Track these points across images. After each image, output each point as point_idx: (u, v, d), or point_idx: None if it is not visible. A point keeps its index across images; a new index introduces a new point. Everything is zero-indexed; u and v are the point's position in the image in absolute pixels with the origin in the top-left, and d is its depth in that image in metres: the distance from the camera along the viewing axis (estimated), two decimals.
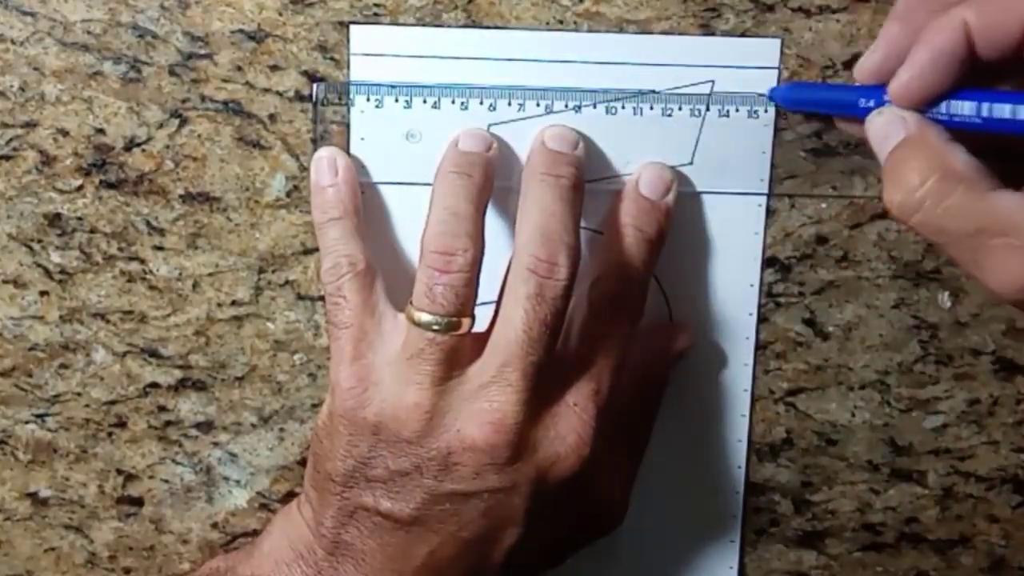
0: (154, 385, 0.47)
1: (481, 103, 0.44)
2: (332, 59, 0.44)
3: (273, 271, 0.46)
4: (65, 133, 0.44)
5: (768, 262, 0.46)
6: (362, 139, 0.44)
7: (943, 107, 0.36)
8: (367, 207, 0.45)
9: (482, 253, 0.41)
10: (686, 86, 0.44)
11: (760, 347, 0.47)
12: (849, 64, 0.44)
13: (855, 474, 0.48)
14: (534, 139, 0.43)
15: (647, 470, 0.47)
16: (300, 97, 0.44)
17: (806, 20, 0.44)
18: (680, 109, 0.44)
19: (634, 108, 0.44)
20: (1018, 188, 0.34)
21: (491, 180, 0.43)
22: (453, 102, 0.44)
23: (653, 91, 0.44)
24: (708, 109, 0.44)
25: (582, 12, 0.44)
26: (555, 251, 0.40)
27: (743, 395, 0.47)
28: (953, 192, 0.34)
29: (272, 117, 0.44)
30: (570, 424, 0.41)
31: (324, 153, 0.44)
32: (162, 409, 0.47)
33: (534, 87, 0.44)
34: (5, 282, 0.45)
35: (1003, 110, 0.35)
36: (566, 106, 0.44)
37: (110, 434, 0.47)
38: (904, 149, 0.36)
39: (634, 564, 0.49)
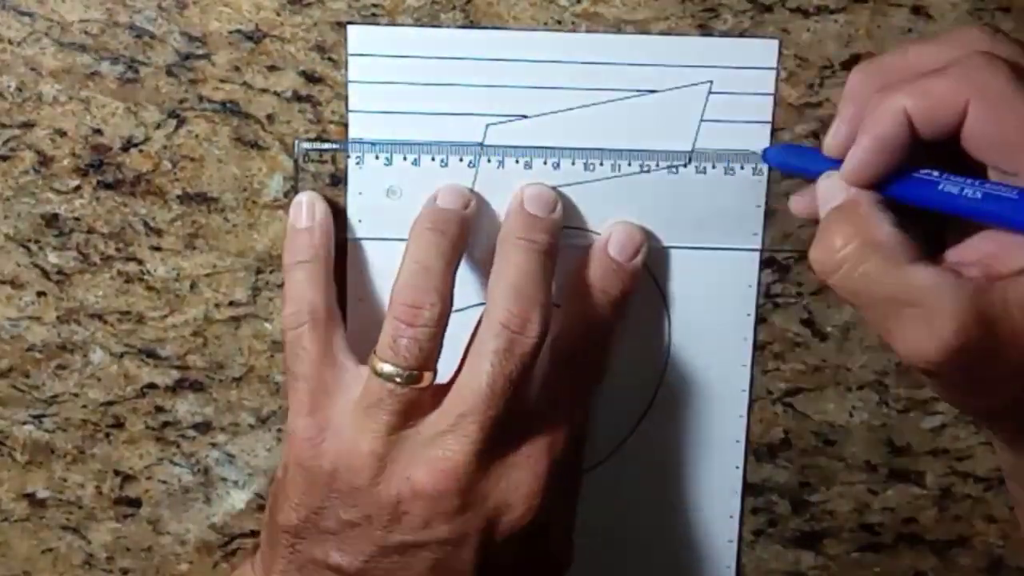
0: (152, 386, 0.47)
1: (461, 160, 0.44)
2: (330, 59, 0.44)
3: (271, 271, 0.46)
4: (62, 133, 0.44)
5: (766, 262, 0.46)
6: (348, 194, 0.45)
7: (892, 186, 0.37)
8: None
9: (450, 309, 0.41)
10: (684, 86, 0.44)
11: (758, 347, 0.47)
12: (848, 64, 0.44)
13: (853, 474, 0.48)
14: (513, 196, 0.44)
15: (646, 470, 0.47)
16: (298, 97, 0.44)
17: (804, 20, 0.44)
18: (657, 167, 0.44)
19: (612, 165, 0.44)
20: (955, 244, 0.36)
21: (466, 237, 0.43)
22: (433, 159, 0.44)
23: (652, 91, 0.44)
24: (687, 166, 0.44)
25: (580, 12, 0.44)
26: (529, 308, 0.40)
27: (741, 395, 0.47)
28: (870, 259, 0.36)
29: (270, 117, 0.44)
30: (522, 476, 0.41)
31: (303, 197, 0.44)
32: (160, 410, 0.47)
33: (514, 146, 0.44)
34: (2, 283, 0.45)
35: (947, 201, 0.36)
36: (544, 163, 0.44)
37: (108, 435, 0.47)
38: (836, 212, 0.38)
39: (632, 564, 0.49)
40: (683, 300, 0.46)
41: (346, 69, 0.44)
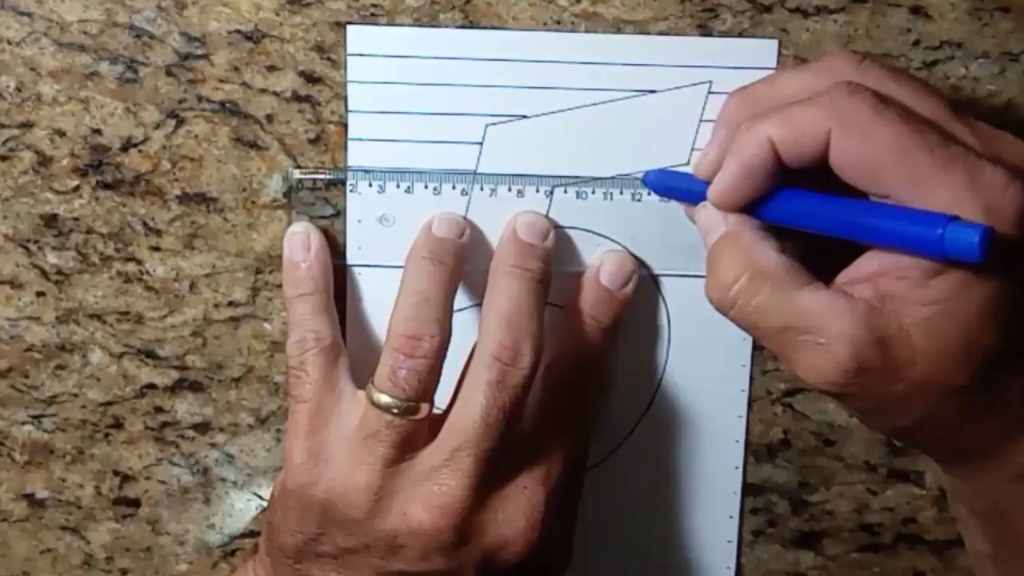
0: (151, 386, 0.47)
1: (454, 187, 0.44)
2: (329, 59, 0.44)
3: (270, 272, 0.46)
4: (62, 134, 0.44)
5: None
6: (336, 221, 0.45)
7: (764, 208, 0.38)
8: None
9: (448, 340, 0.41)
10: (684, 86, 0.44)
11: (757, 348, 0.47)
12: None
13: (852, 475, 0.48)
14: (506, 224, 0.44)
15: (646, 470, 0.47)
16: (297, 98, 0.44)
17: (803, 21, 0.44)
18: (649, 195, 0.45)
19: (604, 193, 0.45)
20: (845, 265, 0.36)
21: (461, 267, 0.43)
22: (426, 187, 0.44)
23: (652, 91, 0.44)
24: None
25: (580, 12, 0.44)
26: (520, 340, 0.41)
27: (740, 396, 0.47)
28: (761, 291, 0.36)
29: (269, 117, 0.44)
30: (519, 508, 0.41)
31: (298, 229, 0.44)
32: (159, 410, 0.47)
33: (507, 174, 0.44)
34: (1, 283, 0.45)
35: (811, 224, 0.37)
36: (537, 190, 0.44)
37: (107, 435, 0.47)
38: (720, 245, 0.38)
39: (632, 564, 0.49)
40: (682, 301, 0.46)
41: (345, 69, 0.44)
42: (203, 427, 0.47)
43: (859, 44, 0.44)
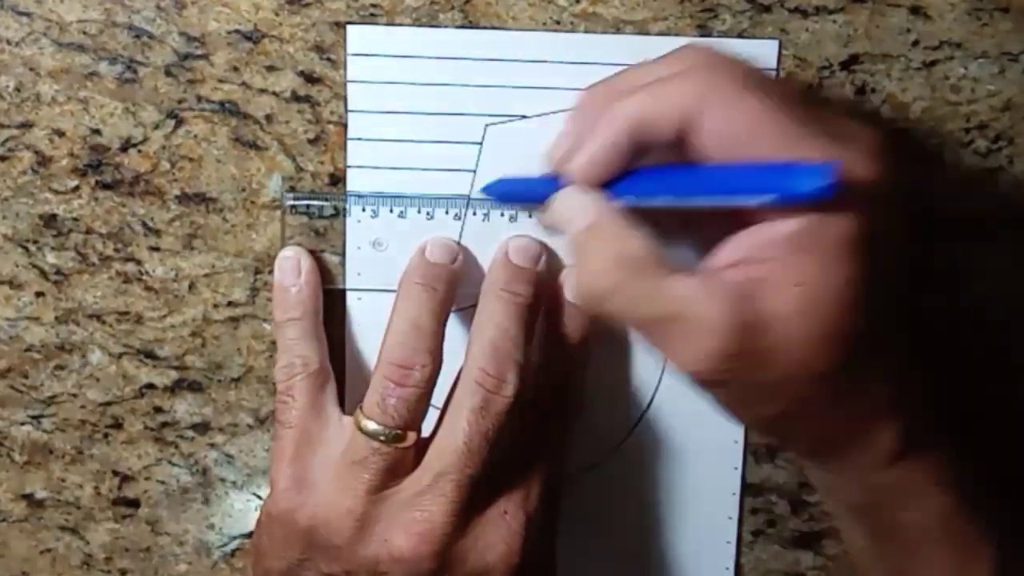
0: (150, 386, 0.47)
1: (447, 212, 0.44)
2: (329, 59, 0.44)
3: (269, 272, 0.46)
4: (61, 134, 0.44)
5: None
6: (332, 246, 0.45)
7: (624, 184, 0.38)
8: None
9: (439, 369, 0.41)
10: None
11: None
12: (846, 65, 0.44)
13: None
14: (499, 247, 0.44)
15: (644, 471, 0.47)
16: (297, 98, 0.44)
17: (803, 21, 0.44)
18: None
19: None
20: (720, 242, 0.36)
21: (454, 293, 0.43)
22: (419, 211, 0.44)
23: None
24: None
25: (579, 13, 0.44)
26: (504, 367, 0.41)
27: None
28: (631, 281, 0.36)
29: (268, 118, 0.44)
30: (500, 533, 0.41)
31: (289, 253, 0.45)
32: (158, 410, 0.47)
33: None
34: (1, 283, 0.45)
35: (673, 188, 0.37)
36: (530, 215, 0.44)
37: (106, 435, 0.47)
38: (586, 235, 0.38)
39: (630, 565, 0.49)
40: None
41: (345, 69, 0.44)
42: (202, 427, 0.47)
43: (858, 44, 0.44)
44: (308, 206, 0.45)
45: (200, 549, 0.49)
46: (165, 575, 0.49)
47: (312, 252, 0.45)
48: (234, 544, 0.48)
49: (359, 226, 0.45)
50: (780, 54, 0.44)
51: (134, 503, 0.48)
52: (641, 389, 0.47)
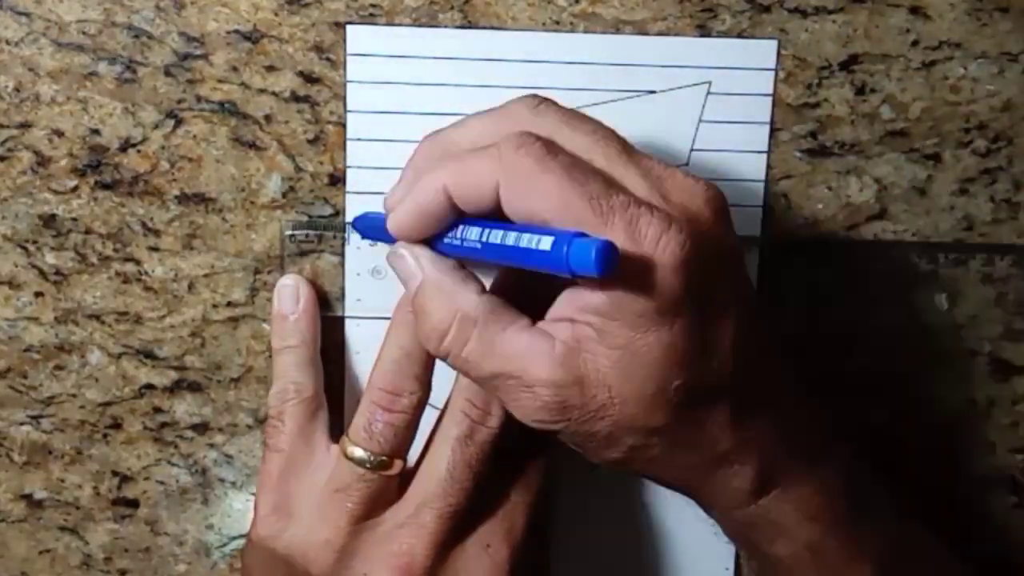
0: (149, 386, 0.47)
1: None
2: (328, 60, 0.44)
3: (269, 272, 0.46)
4: (60, 134, 0.44)
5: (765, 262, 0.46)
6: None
7: (452, 234, 0.38)
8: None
9: (427, 398, 0.41)
10: (683, 87, 0.44)
11: None
12: (846, 65, 0.44)
13: None
14: (494, 281, 0.44)
15: None
16: (296, 98, 0.44)
17: (802, 21, 0.44)
18: None
19: None
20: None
21: None
22: None
23: (651, 91, 0.44)
24: None
25: (578, 13, 0.44)
26: (491, 397, 0.40)
27: None
28: (468, 340, 0.37)
29: (268, 118, 0.44)
30: (483, 567, 0.41)
31: (288, 281, 0.45)
32: (157, 410, 0.47)
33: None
34: (0, 283, 0.45)
35: (497, 236, 0.37)
36: None
37: (105, 436, 0.47)
38: (424, 292, 0.38)
39: (629, 565, 0.49)
40: None
41: (344, 69, 0.44)
42: (202, 427, 0.47)
43: (858, 44, 0.44)
44: (307, 235, 0.45)
45: (199, 549, 0.48)
46: (164, 575, 0.49)
47: (311, 281, 0.45)
48: (233, 544, 0.48)
49: (358, 253, 0.45)
50: (779, 54, 0.44)
51: (133, 503, 0.48)
52: None
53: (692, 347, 0.35)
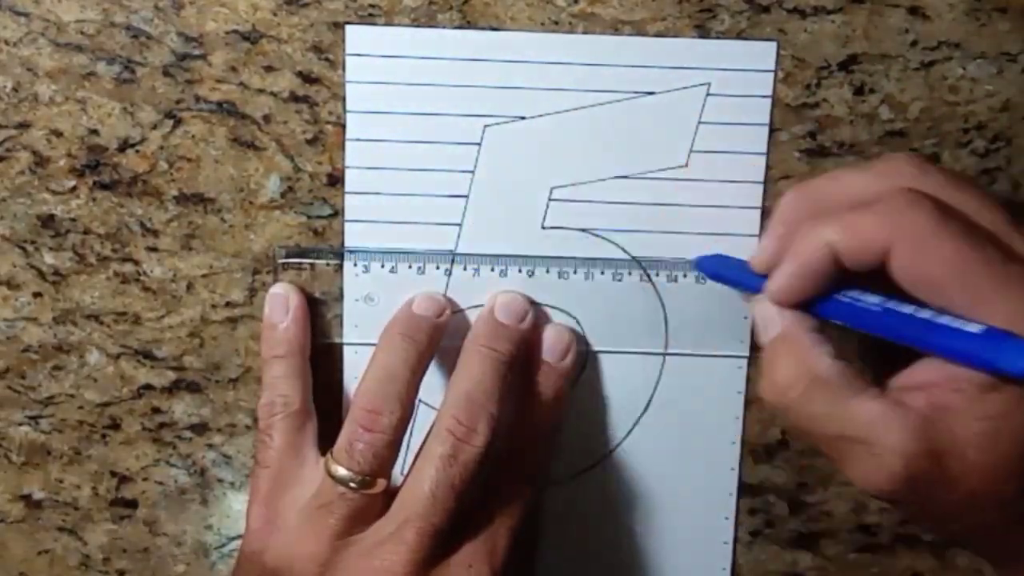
0: (148, 387, 0.47)
1: (437, 267, 0.45)
2: (327, 60, 0.44)
3: (267, 272, 0.45)
4: (59, 134, 0.44)
5: None
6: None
7: (820, 308, 0.38)
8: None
9: (410, 417, 0.41)
10: (682, 88, 0.44)
11: (755, 348, 0.47)
12: (845, 65, 0.44)
13: None
14: (487, 300, 0.44)
15: (642, 472, 0.47)
16: (295, 98, 0.44)
17: (801, 21, 0.44)
18: (630, 275, 0.45)
19: (585, 273, 0.45)
20: (904, 365, 0.36)
21: (435, 346, 0.43)
22: (410, 267, 0.45)
23: (650, 92, 0.44)
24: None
25: (577, 13, 0.43)
26: (476, 417, 0.41)
27: (737, 397, 0.47)
28: (817, 399, 0.36)
29: (267, 118, 0.44)
30: None
31: (279, 290, 0.45)
32: (156, 411, 0.47)
33: (490, 255, 0.45)
34: None
35: (867, 329, 0.37)
36: (519, 271, 0.45)
37: (104, 436, 0.47)
38: (775, 347, 0.38)
39: (628, 565, 0.49)
40: (681, 303, 0.46)
41: (343, 69, 0.44)
42: (200, 428, 0.47)
43: (857, 44, 0.44)
44: (300, 263, 0.45)
45: (198, 550, 0.48)
46: (163, 575, 0.49)
47: (305, 291, 0.45)
48: (232, 545, 0.48)
49: (356, 280, 0.45)
50: (778, 54, 0.44)
51: (132, 504, 0.48)
52: (639, 390, 0.47)
53: None
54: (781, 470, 0.48)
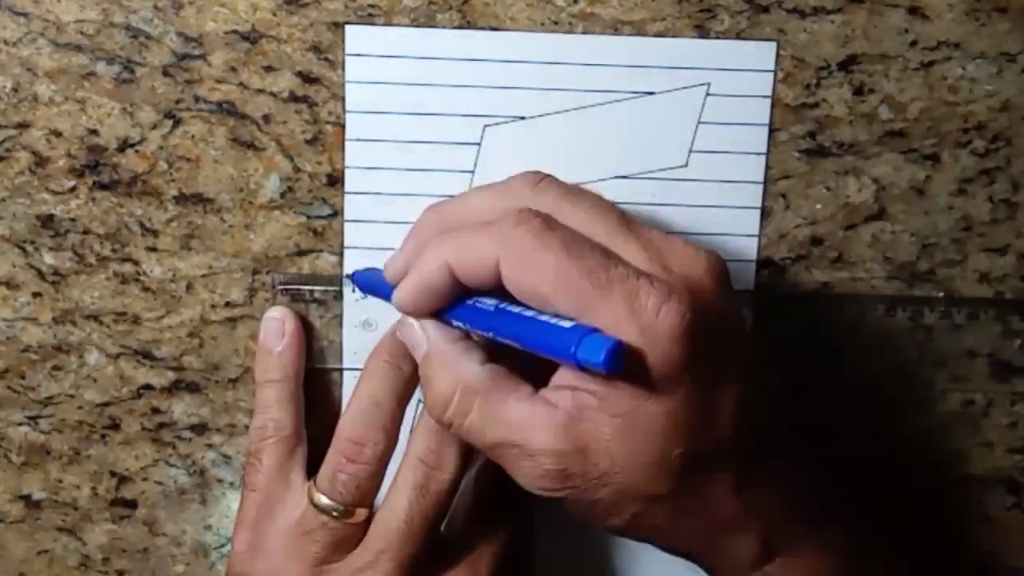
0: (147, 387, 0.47)
1: None
2: (326, 60, 0.44)
3: (267, 272, 0.45)
4: (58, 134, 0.44)
5: (763, 263, 0.46)
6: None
7: (455, 311, 0.39)
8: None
9: (394, 446, 0.42)
10: (682, 88, 0.44)
11: (753, 348, 0.47)
12: (844, 65, 0.44)
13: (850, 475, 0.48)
14: None
15: None
16: (294, 98, 0.44)
17: (801, 21, 0.44)
18: None
19: None
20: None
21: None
22: None
23: (650, 92, 0.44)
24: None
25: (577, 13, 0.43)
26: (445, 444, 0.41)
27: None
28: (472, 408, 0.37)
29: (266, 118, 0.44)
30: None
31: (275, 314, 0.45)
32: (155, 411, 0.47)
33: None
34: None
35: (482, 331, 0.38)
36: None
37: (103, 436, 0.47)
38: (428, 363, 0.39)
39: (626, 565, 0.49)
40: None
41: (343, 69, 0.44)
42: (200, 428, 0.47)
43: (856, 44, 0.44)
44: (299, 290, 0.45)
45: (197, 550, 0.48)
46: (162, 575, 0.49)
47: (302, 316, 0.46)
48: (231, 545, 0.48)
49: (355, 306, 0.45)
50: (778, 54, 0.44)
51: (132, 504, 0.48)
52: None
53: (693, 416, 0.35)
54: None
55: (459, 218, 0.39)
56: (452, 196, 0.41)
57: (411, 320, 0.39)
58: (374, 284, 0.44)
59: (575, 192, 0.38)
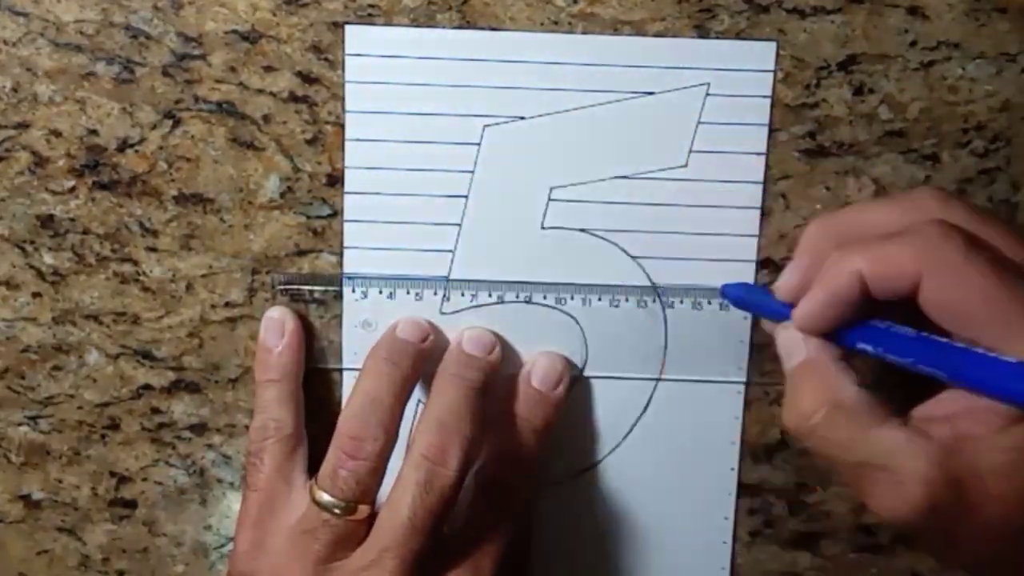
0: (147, 387, 0.47)
1: (435, 293, 0.45)
2: (326, 60, 0.44)
3: (267, 272, 0.45)
4: (58, 134, 0.44)
5: (762, 264, 0.46)
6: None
7: (845, 337, 0.38)
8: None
9: (394, 443, 0.42)
10: (682, 88, 0.44)
11: (755, 348, 0.47)
12: (844, 65, 0.44)
13: None
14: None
15: (641, 472, 0.47)
16: (294, 98, 0.44)
17: (800, 21, 0.44)
18: (627, 301, 0.45)
19: (583, 299, 0.45)
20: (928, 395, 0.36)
21: (420, 371, 0.44)
22: (408, 292, 0.45)
23: (650, 92, 0.44)
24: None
25: (576, 13, 0.43)
26: (449, 440, 0.41)
27: (736, 397, 0.47)
28: (839, 426, 0.36)
29: (266, 118, 0.44)
30: None
31: (275, 314, 0.45)
32: (155, 411, 0.47)
33: (485, 280, 0.45)
34: None
35: (896, 357, 0.37)
36: (516, 296, 0.45)
37: (103, 436, 0.47)
38: (799, 373, 0.38)
39: (626, 565, 0.49)
40: (681, 312, 0.46)
41: (343, 69, 0.44)
42: (200, 428, 0.47)
43: (856, 44, 0.44)
44: (299, 290, 0.45)
45: (197, 550, 0.48)
46: (162, 575, 0.49)
47: (302, 316, 0.45)
48: (231, 545, 0.48)
49: (353, 306, 0.45)
50: (778, 54, 0.44)
51: (131, 504, 0.48)
52: (638, 390, 0.47)
53: None
54: (780, 470, 0.48)
55: (858, 230, 0.38)
56: (844, 208, 0.40)
57: (790, 325, 0.39)
58: (751, 300, 0.43)
59: (985, 213, 0.37)
